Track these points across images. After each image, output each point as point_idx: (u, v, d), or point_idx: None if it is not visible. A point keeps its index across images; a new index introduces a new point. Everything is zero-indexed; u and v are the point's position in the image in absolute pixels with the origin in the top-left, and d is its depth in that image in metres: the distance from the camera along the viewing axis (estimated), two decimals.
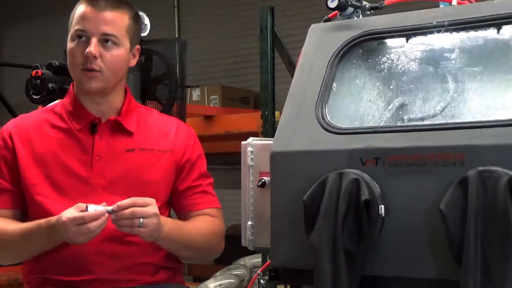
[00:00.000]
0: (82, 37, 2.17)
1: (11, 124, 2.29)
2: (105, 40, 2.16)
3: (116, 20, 2.18)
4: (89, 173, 2.19)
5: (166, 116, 2.51)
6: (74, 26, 2.19)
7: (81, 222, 1.98)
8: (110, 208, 2.01)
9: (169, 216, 2.30)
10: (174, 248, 2.23)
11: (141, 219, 2.01)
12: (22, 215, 2.24)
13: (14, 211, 2.23)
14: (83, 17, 2.17)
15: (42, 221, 2.10)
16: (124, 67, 2.24)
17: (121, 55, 2.20)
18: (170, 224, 2.16)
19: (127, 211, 2.00)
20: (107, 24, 2.16)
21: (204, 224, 2.28)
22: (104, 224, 2.01)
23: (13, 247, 2.18)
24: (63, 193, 2.17)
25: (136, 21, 2.27)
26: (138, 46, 2.29)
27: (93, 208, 1.99)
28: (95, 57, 2.14)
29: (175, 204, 2.32)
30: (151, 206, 2.04)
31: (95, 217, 1.98)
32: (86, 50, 2.14)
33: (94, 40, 2.15)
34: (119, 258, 2.17)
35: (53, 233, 2.06)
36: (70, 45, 2.20)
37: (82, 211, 2.00)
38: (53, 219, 2.06)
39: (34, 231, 2.11)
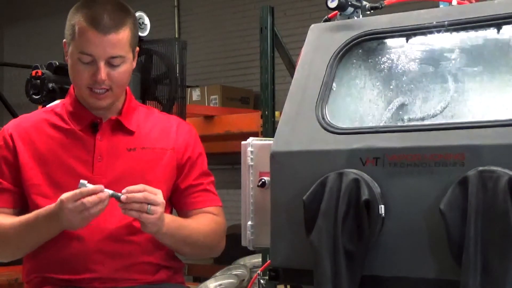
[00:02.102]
0: (88, 59, 2.14)
1: (12, 124, 2.29)
2: (112, 61, 2.14)
3: (121, 40, 2.14)
4: (90, 172, 2.20)
5: (167, 115, 2.51)
6: (77, 46, 2.13)
7: (78, 197, 1.99)
8: (110, 191, 2.00)
9: (171, 214, 2.31)
10: (174, 243, 2.23)
11: (149, 206, 2.01)
12: (23, 215, 2.24)
13: (15, 211, 2.23)
14: (88, 41, 2.12)
15: (40, 210, 2.11)
16: (129, 77, 2.24)
17: (127, 69, 2.19)
18: (170, 219, 2.16)
19: (140, 195, 2.00)
20: (113, 47, 2.12)
21: (204, 221, 2.28)
22: (102, 204, 2.00)
23: (11, 240, 2.18)
24: (64, 192, 2.17)
25: (135, 25, 2.23)
26: (137, 49, 2.29)
27: (86, 182, 1.99)
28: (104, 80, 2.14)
29: (177, 202, 2.33)
30: (159, 195, 2.05)
31: (91, 192, 1.98)
32: (97, 77, 2.12)
33: (102, 65, 2.12)
34: (119, 257, 2.17)
35: (52, 218, 2.06)
36: (75, 65, 2.16)
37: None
38: (52, 205, 2.06)
39: (32, 221, 2.11)
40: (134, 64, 2.27)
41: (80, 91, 2.21)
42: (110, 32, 2.11)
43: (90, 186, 2.00)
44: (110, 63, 2.14)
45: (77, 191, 2.00)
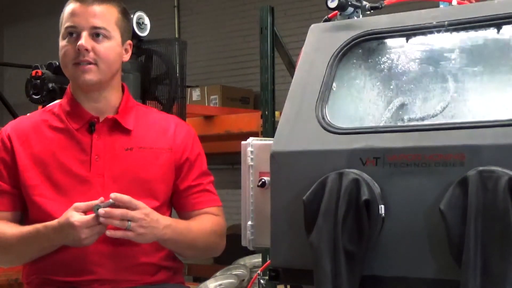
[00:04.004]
0: (73, 33, 2.18)
1: (10, 126, 2.30)
2: (96, 33, 2.17)
3: (105, 13, 2.19)
4: (88, 172, 2.20)
5: (166, 114, 2.51)
6: (64, 24, 2.20)
7: (92, 224, 2.01)
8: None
9: (170, 215, 2.31)
10: (177, 248, 2.25)
11: (129, 223, 2.03)
12: (22, 217, 2.25)
13: (14, 213, 2.23)
14: (72, 14, 2.18)
15: (39, 226, 2.10)
16: (117, 60, 2.24)
17: (113, 47, 2.20)
18: (174, 225, 2.17)
19: (118, 211, 2.02)
20: (96, 17, 2.17)
21: (206, 223, 2.28)
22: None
23: (12, 250, 2.18)
24: (63, 193, 2.17)
25: (125, 16, 2.28)
26: (130, 42, 2.30)
27: (100, 205, 2.01)
28: (87, 50, 2.15)
29: (177, 203, 2.33)
30: (143, 210, 2.05)
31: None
32: (78, 43, 2.15)
33: (85, 34, 2.15)
34: (118, 258, 2.17)
35: (56, 237, 2.07)
36: (61, 43, 2.21)
37: (83, 211, 2.03)
38: (52, 223, 2.06)
39: (32, 236, 2.11)
40: (127, 57, 2.28)
41: (66, 69, 2.22)
42: (93, 4, 2.18)
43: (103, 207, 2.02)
44: (94, 36, 2.17)
45: (90, 217, 2.01)
